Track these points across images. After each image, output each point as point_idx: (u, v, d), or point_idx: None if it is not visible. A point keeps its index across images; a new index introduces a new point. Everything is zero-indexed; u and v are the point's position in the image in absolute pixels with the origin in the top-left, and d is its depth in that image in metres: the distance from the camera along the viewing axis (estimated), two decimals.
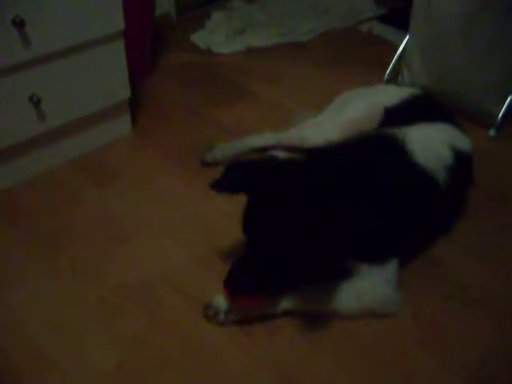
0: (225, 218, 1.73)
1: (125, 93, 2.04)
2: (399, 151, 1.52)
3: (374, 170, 1.45)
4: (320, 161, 1.44)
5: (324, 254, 1.38)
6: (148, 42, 2.49)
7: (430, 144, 1.57)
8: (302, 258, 1.34)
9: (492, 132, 2.13)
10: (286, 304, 1.42)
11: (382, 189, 1.43)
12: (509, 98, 2.11)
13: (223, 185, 1.43)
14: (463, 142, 1.66)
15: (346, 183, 1.38)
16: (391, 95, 1.84)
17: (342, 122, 1.86)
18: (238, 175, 1.43)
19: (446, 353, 1.38)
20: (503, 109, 2.12)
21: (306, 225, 1.27)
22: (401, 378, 1.33)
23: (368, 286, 1.43)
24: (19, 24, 1.61)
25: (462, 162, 1.61)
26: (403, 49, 2.38)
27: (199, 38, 2.81)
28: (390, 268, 1.45)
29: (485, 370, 1.34)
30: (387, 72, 2.43)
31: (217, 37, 2.80)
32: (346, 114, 1.88)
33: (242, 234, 1.38)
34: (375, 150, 1.53)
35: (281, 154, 1.95)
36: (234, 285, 1.36)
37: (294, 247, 1.29)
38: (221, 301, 1.42)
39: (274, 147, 1.97)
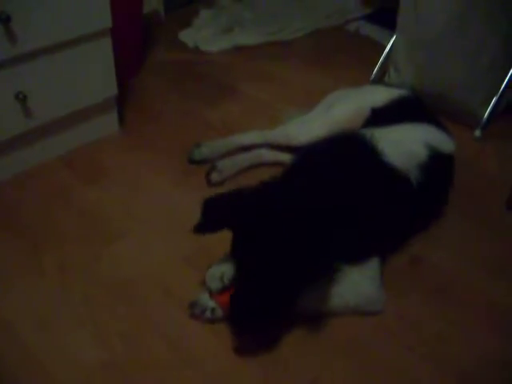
0: None
1: (112, 90, 2.03)
2: (367, 150, 1.52)
3: (342, 171, 1.45)
4: (290, 181, 1.44)
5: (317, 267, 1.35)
6: (136, 40, 2.48)
7: (402, 143, 1.57)
8: (298, 276, 1.32)
9: (477, 132, 2.14)
10: None
11: (351, 189, 1.42)
12: (494, 99, 2.13)
13: (205, 227, 1.40)
14: (445, 143, 1.67)
15: (318, 191, 1.37)
16: (379, 96, 1.85)
17: (329, 121, 1.86)
18: (216, 215, 1.41)
19: (429, 351, 1.39)
20: (489, 109, 2.13)
21: (295, 245, 1.28)
22: (385, 377, 1.34)
23: (352, 284, 1.44)
24: (5, 20, 1.60)
25: (439, 162, 1.62)
26: (390, 49, 2.39)
27: (187, 36, 2.81)
28: (373, 266, 1.46)
29: (468, 368, 1.35)
30: (374, 71, 2.44)
31: (205, 35, 2.80)
32: (333, 113, 1.88)
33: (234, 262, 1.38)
34: (344, 150, 1.54)
35: (267, 154, 1.96)
36: (241, 321, 1.34)
37: (289, 267, 1.28)
38: (206, 299, 1.42)
39: (261, 145, 1.98)
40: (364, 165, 1.50)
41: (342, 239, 1.36)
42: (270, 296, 1.30)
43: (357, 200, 1.42)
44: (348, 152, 1.53)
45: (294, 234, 1.28)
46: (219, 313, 1.41)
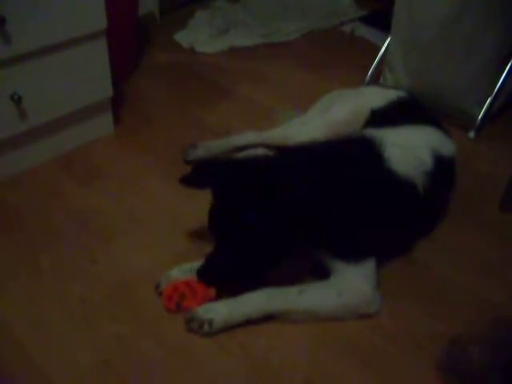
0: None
1: (107, 91, 2.03)
2: (374, 155, 1.52)
3: (345, 172, 1.47)
4: (291, 159, 1.49)
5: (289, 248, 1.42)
6: (131, 41, 2.48)
7: (410, 149, 1.57)
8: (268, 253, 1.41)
9: (471, 134, 2.15)
10: (266, 307, 1.41)
11: (354, 191, 1.44)
12: (488, 100, 2.14)
13: (191, 180, 1.52)
14: (447, 146, 1.67)
15: (314, 182, 1.42)
16: (378, 97, 1.85)
17: (327, 122, 1.86)
18: (206, 171, 1.53)
19: (423, 353, 1.39)
20: (483, 110, 2.14)
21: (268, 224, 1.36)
22: (378, 377, 1.34)
23: (348, 283, 1.44)
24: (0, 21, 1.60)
25: (444, 167, 1.62)
26: (385, 50, 2.40)
27: (182, 38, 2.81)
28: (369, 266, 1.46)
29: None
30: (369, 73, 2.45)
31: (200, 36, 2.80)
32: (331, 114, 1.88)
33: (208, 231, 1.47)
34: (351, 151, 1.54)
35: (263, 153, 1.95)
36: (208, 276, 1.45)
37: (258, 244, 1.39)
38: (203, 312, 1.41)
39: (257, 146, 1.97)
40: (367, 170, 1.51)
41: (330, 232, 1.43)
42: (238, 258, 1.41)
43: (348, 199, 1.44)
44: (352, 155, 1.53)
45: (272, 206, 1.35)
46: (217, 325, 1.40)
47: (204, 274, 1.45)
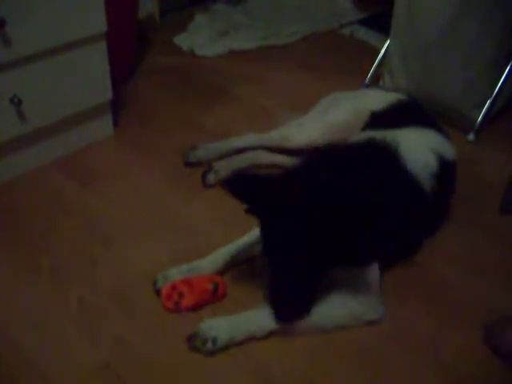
0: (207, 219, 1.74)
1: (107, 94, 2.03)
2: (393, 158, 1.52)
3: (369, 176, 1.43)
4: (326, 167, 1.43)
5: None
6: (131, 44, 2.49)
7: (418, 152, 1.57)
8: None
9: (471, 136, 2.15)
10: (271, 325, 1.38)
11: (375, 196, 1.40)
12: (488, 103, 2.14)
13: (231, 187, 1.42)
14: (449, 150, 1.67)
15: (344, 191, 1.35)
16: (377, 99, 1.85)
17: (326, 124, 1.86)
18: (241, 189, 1.41)
19: (424, 354, 1.39)
20: (482, 113, 2.14)
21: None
22: (380, 379, 1.34)
23: (352, 293, 1.42)
24: None
25: (446, 170, 1.63)
26: (384, 53, 2.40)
27: (182, 40, 2.82)
28: (373, 274, 1.45)
29: (463, 371, 1.36)
30: (368, 75, 2.45)
31: (200, 39, 2.80)
32: (331, 116, 1.88)
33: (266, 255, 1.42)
34: (370, 156, 1.52)
35: (263, 155, 1.96)
36: (288, 314, 1.38)
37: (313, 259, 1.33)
38: (206, 328, 1.37)
39: (256, 148, 1.98)
40: (386, 170, 1.49)
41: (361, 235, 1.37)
42: (304, 282, 1.35)
43: (375, 203, 1.39)
44: (372, 155, 1.52)
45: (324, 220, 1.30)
46: (221, 342, 1.35)
47: (283, 314, 1.38)
